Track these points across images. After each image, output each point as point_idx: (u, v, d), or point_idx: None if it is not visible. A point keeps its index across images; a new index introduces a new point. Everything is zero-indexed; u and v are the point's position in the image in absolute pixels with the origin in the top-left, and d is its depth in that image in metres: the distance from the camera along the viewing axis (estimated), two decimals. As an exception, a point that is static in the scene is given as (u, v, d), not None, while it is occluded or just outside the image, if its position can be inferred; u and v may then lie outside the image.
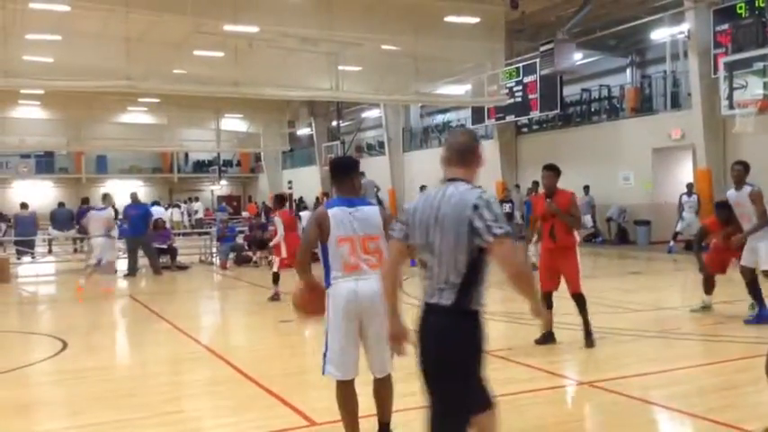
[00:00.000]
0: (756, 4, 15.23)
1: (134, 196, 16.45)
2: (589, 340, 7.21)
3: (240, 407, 5.49)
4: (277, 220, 10.91)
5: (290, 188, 38.31)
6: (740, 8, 15.94)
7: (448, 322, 3.05)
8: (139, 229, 15.64)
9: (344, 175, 4.31)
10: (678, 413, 5.17)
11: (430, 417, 3.18)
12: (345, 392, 4.18)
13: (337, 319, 4.10)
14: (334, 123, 33.14)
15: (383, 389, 4.29)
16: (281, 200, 11.90)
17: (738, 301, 8.98)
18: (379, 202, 22.25)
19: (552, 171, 7.23)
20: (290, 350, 7.95)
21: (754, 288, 8.22)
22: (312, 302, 4.22)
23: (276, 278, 10.83)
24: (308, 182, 36.72)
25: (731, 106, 13.93)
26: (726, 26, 16.40)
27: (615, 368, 6.32)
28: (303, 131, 36.77)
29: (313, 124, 35.97)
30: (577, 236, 7.50)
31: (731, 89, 13.88)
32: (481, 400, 3.28)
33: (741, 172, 8.01)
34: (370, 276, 4.04)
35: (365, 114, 33.80)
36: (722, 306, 9.15)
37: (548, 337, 7.33)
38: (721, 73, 14.44)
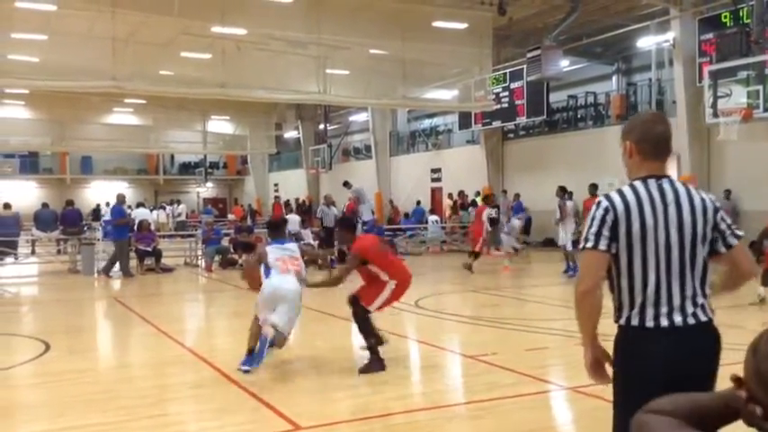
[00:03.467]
0: (740, 14, 15.41)
1: (121, 198, 16.69)
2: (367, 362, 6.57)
3: (224, 410, 5.46)
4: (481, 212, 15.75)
5: (276, 191, 38.28)
6: (725, 17, 16.12)
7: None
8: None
9: (276, 230, 7.63)
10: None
11: None
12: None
13: (261, 302, 6.55)
14: (322, 126, 33.10)
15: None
16: (486, 198, 16.91)
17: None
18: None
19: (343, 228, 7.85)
20: (275, 354, 7.92)
21: None
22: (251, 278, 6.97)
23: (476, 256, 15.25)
24: (294, 185, 36.66)
25: (715, 114, 14.06)
26: (710, 35, 16.57)
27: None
28: (290, 134, 36.71)
29: (300, 127, 35.91)
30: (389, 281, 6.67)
31: (715, 97, 14.01)
32: None
33: None
34: (290, 277, 6.57)
35: (352, 118, 33.81)
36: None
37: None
38: (706, 81, 14.58)
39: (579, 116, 23.12)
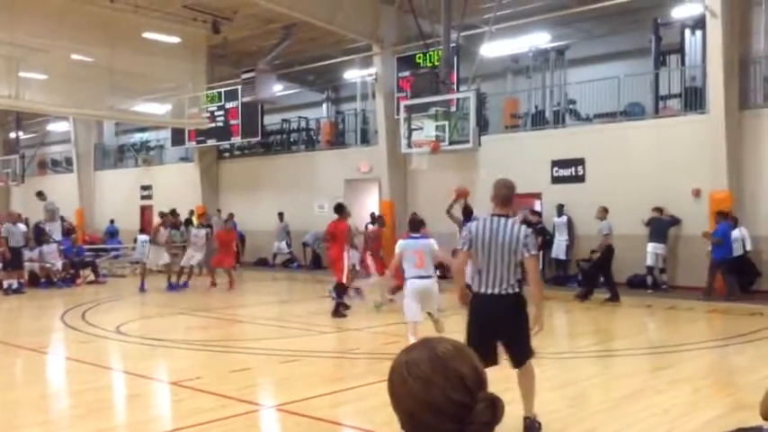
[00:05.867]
0: (431, 57, 17.30)
1: None
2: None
3: None
4: None
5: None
6: (419, 58, 17.96)
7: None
8: None
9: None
10: (356, 429, 5.57)
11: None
12: None
13: None
14: (13, 135, 29.65)
15: None
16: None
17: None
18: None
19: None
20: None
21: None
22: None
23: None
24: (-23, 199, 32.22)
25: (409, 145, 15.53)
26: (407, 73, 18.34)
27: (303, 389, 6.58)
28: (-27, 141, 32.24)
29: (-14, 134, 31.79)
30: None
31: (410, 130, 15.48)
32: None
33: None
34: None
35: (51, 127, 30.81)
36: (401, 326, 10.06)
37: None
38: (402, 115, 16.05)
39: (292, 140, 23.88)
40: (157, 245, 15.80)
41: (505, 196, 5.13)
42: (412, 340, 6.83)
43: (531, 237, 5.10)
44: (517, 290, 5.03)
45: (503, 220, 5.03)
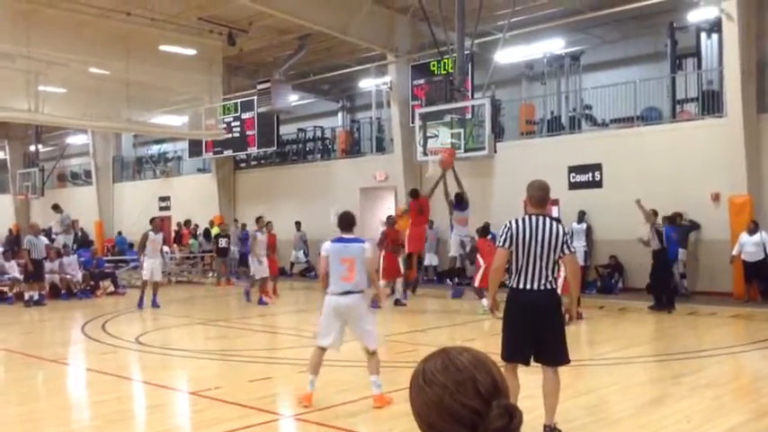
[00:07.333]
0: (445, 64, 17.31)
1: None
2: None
3: None
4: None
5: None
6: (433, 66, 17.99)
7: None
8: None
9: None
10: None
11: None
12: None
13: None
14: (33, 148, 30.03)
15: None
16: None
17: (430, 329, 9.88)
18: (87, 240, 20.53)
19: None
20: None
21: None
22: None
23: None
24: (-1, 212, 32.64)
25: (425, 153, 15.52)
26: (422, 81, 18.37)
27: (322, 399, 6.56)
28: (-6, 155, 32.68)
29: (6, 148, 32.19)
30: None
31: (425, 138, 15.46)
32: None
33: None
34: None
35: (70, 140, 31.16)
36: (416, 334, 10.04)
37: None
38: (417, 122, 16.06)
39: (308, 149, 23.97)
40: (151, 255, 14.09)
41: (540, 197, 5.29)
42: (310, 378, 6.09)
43: (569, 235, 5.32)
44: (554, 286, 5.15)
45: (541, 218, 5.14)
